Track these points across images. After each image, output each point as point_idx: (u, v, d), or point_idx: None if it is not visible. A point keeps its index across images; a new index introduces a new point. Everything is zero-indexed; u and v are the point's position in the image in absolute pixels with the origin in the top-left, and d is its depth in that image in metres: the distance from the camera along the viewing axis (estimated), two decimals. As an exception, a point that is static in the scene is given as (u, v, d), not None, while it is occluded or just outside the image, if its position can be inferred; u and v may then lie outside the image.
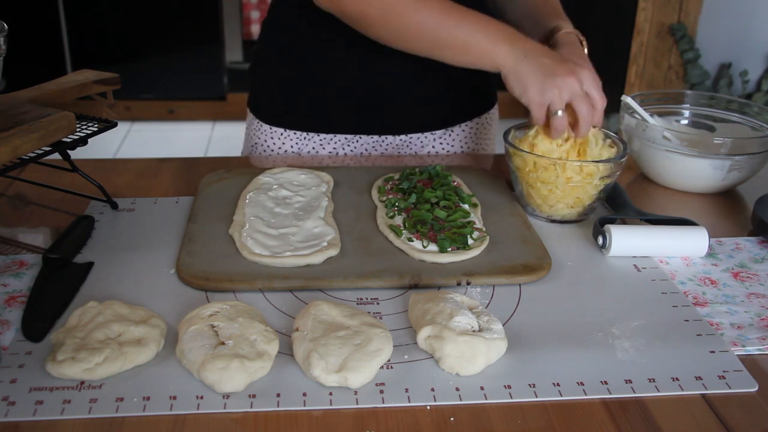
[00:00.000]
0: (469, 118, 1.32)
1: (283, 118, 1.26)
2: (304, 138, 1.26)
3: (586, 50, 1.12)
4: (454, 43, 1.00)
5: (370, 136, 1.27)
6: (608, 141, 1.04)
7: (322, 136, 1.26)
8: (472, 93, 1.31)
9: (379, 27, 1.03)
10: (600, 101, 0.99)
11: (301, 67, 1.22)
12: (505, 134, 1.06)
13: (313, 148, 1.26)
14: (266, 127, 1.28)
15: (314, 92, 1.23)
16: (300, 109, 1.25)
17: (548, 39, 1.14)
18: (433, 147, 1.30)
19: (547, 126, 1.00)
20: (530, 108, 0.99)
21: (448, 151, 1.31)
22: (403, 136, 1.27)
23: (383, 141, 1.27)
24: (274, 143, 1.28)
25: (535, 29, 1.17)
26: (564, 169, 0.98)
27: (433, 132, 1.29)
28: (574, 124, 0.99)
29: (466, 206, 1.01)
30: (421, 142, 1.29)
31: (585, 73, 0.98)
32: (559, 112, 0.97)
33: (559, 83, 0.96)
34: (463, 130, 1.32)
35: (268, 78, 1.28)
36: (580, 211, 1.02)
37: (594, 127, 1.01)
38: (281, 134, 1.27)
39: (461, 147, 1.32)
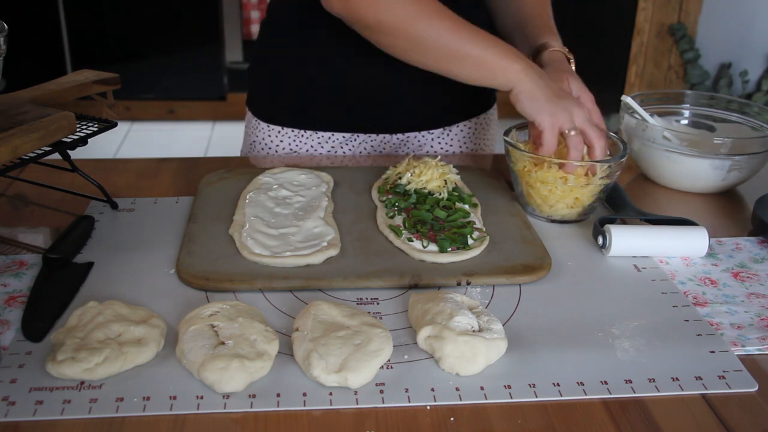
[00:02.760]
0: (468, 117, 1.32)
1: (281, 116, 1.27)
2: (302, 136, 1.27)
3: (573, 67, 1.13)
4: (468, 57, 1.00)
5: (368, 134, 1.27)
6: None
7: (320, 134, 1.26)
8: (471, 93, 1.31)
9: (394, 37, 1.02)
10: (603, 128, 1.02)
11: (299, 66, 1.22)
12: (506, 134, 1.06)
13: (311, 146, 1.27)
14: (264, 125, 1.29)
15: (312, 90, 1.23)
16: (297, 107, 1.26)
17: (536, 56, 1.14)
18: (432, 147, 1.30)
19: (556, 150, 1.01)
20: (543, 131, 0.98)
21: (446, 151, 1.31)
22: (400, 135, 1.28)
23: (381, 140, 1.28)
24: (271, 141, 1.28)
25: (524, 44, 1.17)
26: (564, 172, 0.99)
27: (431, 131, 1.29)
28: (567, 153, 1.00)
29: (466, 206, 1.01)
30: (419, 141, 1.29)
31: (586, 103, 1.03)
32: (573, 132, 0.98)
33: (569, 108, 0.98)
34: (462, 130, 1.32)
35: (266, 76, 1.28)
36: (579, 211, 1.02)
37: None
38: (278, 132, 1.27)
39: (460, 146, 1.32)
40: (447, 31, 1.00)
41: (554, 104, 0.98)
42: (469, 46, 1.00)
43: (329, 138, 1.26)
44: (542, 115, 0.98)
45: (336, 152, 1.28)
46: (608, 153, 1.06)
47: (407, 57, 1.04)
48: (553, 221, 1.03)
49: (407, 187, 1.03)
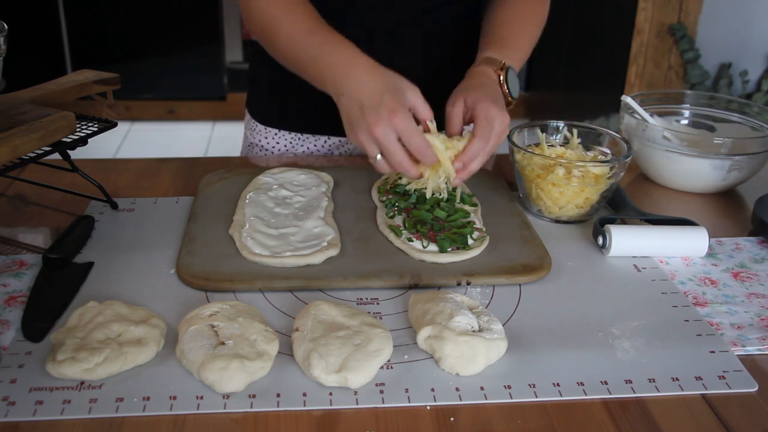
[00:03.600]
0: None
1: (278, 119, 1.27)
2: (298, 139, 1.27)
3: (505, 88, 1.03)
4: (305, 60, 0.99)
5: None
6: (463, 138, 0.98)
7: (317, 137, 1.26)
8: None
9: (260, 40, 1.07)
10: (420, 148, 0.89)
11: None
12: (509, 136, 1.06)
13: (308, 148, 1.27)
14: (261, 127, 1.29)
15: (308, 94, 1.22)
16: (294, 111, 1.26)
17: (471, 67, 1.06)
18: None
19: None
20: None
21: None
22: None
23: None
24: (268, 143, 1.29)
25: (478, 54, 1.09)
26: (571, 171, 0.99)
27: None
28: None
29: (466, 206, 1.01)
30: None
31: (397, 118, 0.87)
32: (378, 157, 0.90)
33: (372, 131, 0.88)
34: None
35: (263, 79, 1.28)
36: (587, 211, 1.02)
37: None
38: (275, 134, 1.28)
39: None
40: (293, 33, 0.99)
41: (353, 128, 0.91)
42: (305, 46, 0.98)
43: (326, 141, 1.27)
44: (349, 137, 0.93)
45: (332, 154, 1.28)
46: (609, 152, 1.07)
47: (279, 61, 1.05)
48: (558, 221, 1.03)
49: (407, 187, 1.03)
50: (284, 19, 1.01)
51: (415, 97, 0.92)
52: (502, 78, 1.03)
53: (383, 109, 0.88)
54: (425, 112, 0.93)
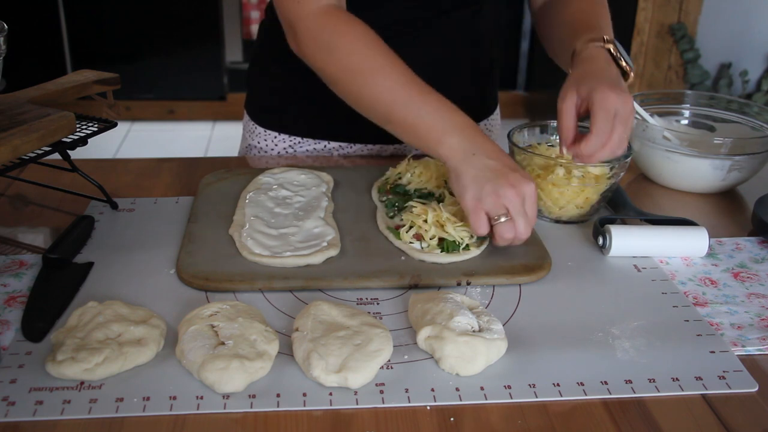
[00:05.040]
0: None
1: (277, 122, 1.26)
2: (297, 143, 1.26)
3: (620, 59, 0.98)
4: (404, 121, 0.92)
5: (365, 144, 1.26)
6: None
7: (317, 141, 1.26)
8: (473, 102, 1.30)
9: (337, 88, 0.98)
10: (530, 225, 0.88)
11: (295, 73, 1.22)
12: (509, 135, 1.06)
13: (307, 151, 1.26)
14: (260, 129, 1.28)
15: (307, 99, 1.22)
16: (293, 114, 1.25)
17: (572, 58, 1.02)
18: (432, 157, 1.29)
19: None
20: (468, 214, 0.88)
21: None
22: (398, 145, 1.27)
23: (379, 149, 1.27)
24: (267, 145, 1.28)
25: (566, 49, 1.04)
26: (570, 172, 0.99)
27: None
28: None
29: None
30: (416, 152, 1.29)
31: (528, 187, 0.87)
32: (502, 219, 0.86)
33: (499, 191, 0.86)
34: None
35: (262, 81, 1.28)
36: (588, 211, 1.02)
37: None
38: (274, 137, 1.27)
39: None
40: (387, 89, 0.92)
41: (480, 188, 0.86)
42: (405, 109, 0.92)
43: (325, 146, 1.26)
44: (465, 199, 0.87)
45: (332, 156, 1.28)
46: None
47: (355, 108, 0.98)
48: (558, 222, 1.03)
49: (407, 187, 1.03)
50: (371, 75, 0.94)
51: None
52: (613, 50, 0.96)
53: (518, 174, 0.87)
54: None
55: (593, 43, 0.98)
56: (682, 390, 0.72)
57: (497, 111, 1.37)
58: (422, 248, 0.91)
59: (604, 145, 0.91)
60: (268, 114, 1.28)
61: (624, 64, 0.96)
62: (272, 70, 1.25)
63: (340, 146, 1.26)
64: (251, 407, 0.68)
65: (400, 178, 1.06)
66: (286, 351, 0.75)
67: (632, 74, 0.98)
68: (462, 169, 0.88)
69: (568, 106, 0.93)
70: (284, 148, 1.27)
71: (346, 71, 0.96)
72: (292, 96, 1.24)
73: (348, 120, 1.23)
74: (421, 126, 0.91)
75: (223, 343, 0.72)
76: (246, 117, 1.33)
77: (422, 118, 0.91)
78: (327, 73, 0.98)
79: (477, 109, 1.32)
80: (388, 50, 0.95)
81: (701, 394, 0.71)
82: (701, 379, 0.73)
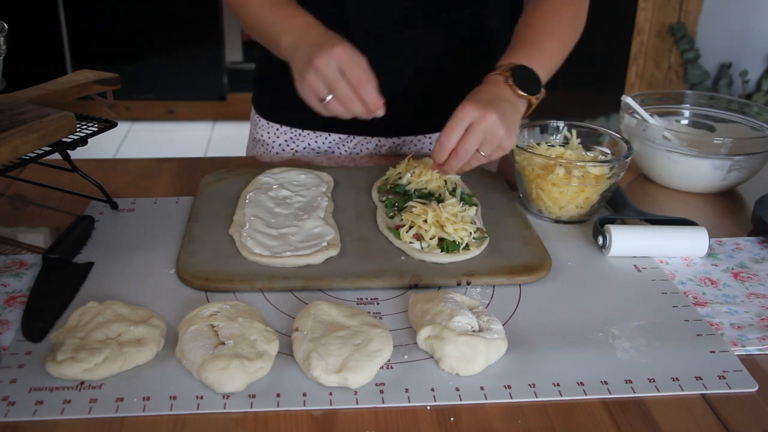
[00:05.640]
0: None
1: (279, 114, 1.29)
2: (299, 135, 1.28)
3: (518, 90, 0.99)
4: (261, 25, 1.04)
5: (365, 137, 1.27)
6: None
7: (318, 133, 1.27)
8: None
9: (230, 8, 1.11)
10: (360, 85, 0.92)
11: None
12: None
13: (308, 144, 1.28)
14: (264, 122, 1.31)
15: None
16: (294, 106, 1.25)
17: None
18: (430, 149, 1.30)
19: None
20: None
21: None
22: (395, 139, 1.28)
23: (377, 142, 1.28)
24: (270, 138, 1.30)
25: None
26: (570, 171, 0.99)
27: (429, 135, 1.29)
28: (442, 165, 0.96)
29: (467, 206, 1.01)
30: (415, 145, 1.29)
31: (337, 49, 0.91)
32: (328, 97, 0.93)
33: (313, 60, 0.91)
34: None
35: (266, 74, 1.30)
36: (587, 211, 1.02)
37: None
38: (277, 130, 1.29)
39: None
40: (255, 15, 1.05)
41: (300, 71, 0.94)
42: (265, 13, 1.03)
43: (326, 138, 1.27)
44: (297, 86, 0.96)
45: (333, 151, 1.28)
46: (609, 152, 1.07)
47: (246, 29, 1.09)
48: (558, 221, 1.03)
49: (407, 187, 1.03)
50: None
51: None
52: (510, 79, 0.99)
53: (326, 44, 0.92)
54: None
55: (498, 71, 1.01)
56: (682, 390, 0.72)
57: None
58: (422, 248, 0.91)
59: (448, 152, 0.94)
60: (271, 106, 1.30)
61: (520, 93, 0.99)
62: (273, 62, 1.26)
63: (340, 138, 1.27)
64: (251, 407, 0.68)
65: (400, 178, 1.06)
66: (286, 351, 0.75)
67: (536, 100, 1.01)
68: (293, 65, 0.96)
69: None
70: (285, 141, 1.29)
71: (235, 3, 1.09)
72: (291, 87, 1.24)
73: None
74: (269, 34, 1.03)
75: (223, 343, 0.72)
76: (252, 110, 1.36)
77: (272, 26, 1.02)
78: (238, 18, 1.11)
79: None
80: None
81: (701, 394, 0.71)
82: (701, 379, 0.73)
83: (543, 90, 1.02)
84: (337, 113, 0.95)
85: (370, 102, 0.93)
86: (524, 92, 0.99)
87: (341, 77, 0.92)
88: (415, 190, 1.03)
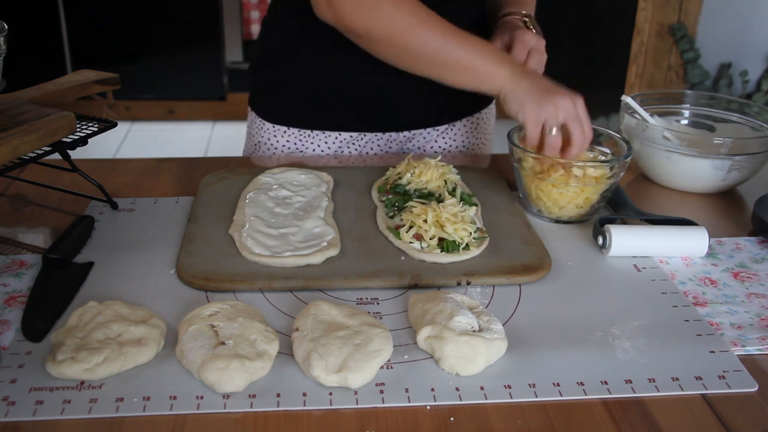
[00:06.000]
0: (470, 113, 1.33)
1: (286, 117, 1.26)
2: (308, 136, 1.26)
3: (533, 29, 1.18)
4: (457, 64, 1.03)
5: (374, 133, 1.27)
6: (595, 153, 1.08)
7: (327, 133, 1.26)
8: (467, 93, 1.31)
9: (384, 45, 1.05)
10: (589, 127, 1.01)
11: (303, 65, 1.22)
12: (509, 135, 1.06)
13: (318, 145, 1.26)
14: (269, 125, 1.28)
15: (316, 90, 1.23)
16: (302, 107, 1.25)
17: (495, 25, 1.20)
18: (437, 142, 1.30)
19: (540, 146, 1.02)
20: (526, 125, 1.01)
21: (450, 146, 1.31)
22: (407, 132, 1.28)
23: (388, 138, 1.27)
24: (277, 141, 1.27)
25: (492, 17, 1.23)
26: (570, 172, 0.99)
27: (437, 128, 1.30)
28: (563, 148, 1.01)
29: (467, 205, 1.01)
30: (425, 138, 1.29)
31: (579, 99, 1.01)
32: (554, 130, 1.00)
33: (556, 101, 0.99)
34: (464, 125, 1.32)
35: (269, 76, 1.28)
36: (587, 211, 1.02)
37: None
38: (284, 132, 1.27)
39: (463, 142, 1.32)
40: (435, 39, 1.03)
41: (538, 98, 1.00)
42: (458, 52, 1.03)
43: (336, 137, 1.26)
44: (525, 110, 1.00)
45: (342, 151, 1.27)
46: (609, 152, 1.07)
47: (399, 64, 1.07)
48: (558, 221, 1.03)
49: (407, 187, 1.04)
50: (420, 26, 1.04)
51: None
52: (528, 21, 1.17)
53: (565, 89, 1.02)
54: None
55: (511, 15, 1.20)
56: (682, 390, 0.72)
57: (493, 103, 1.39)
58: (422, 248, 0.91)
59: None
60: (277, 108, 1.27)
61: (534, 31, 1.17)
62: (278, 63, 1.25)
63: (350, 137, 1.26)
64: (251, 407, 0.68)
65: (400, 178, 1.06)
66: (286, 351, 0.75)
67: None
68: (517, 90, 1.01)
69: (497, 45, 1.14)
70: (294, 143, 1.27)
71: (393, 26, 1.03)
72: (298, 88, 1.24)
73: (357, 109, 1.23)
74: (475, 65, 1.04)
75: (223, 343, 0.72)
76: (252, 114, 1.32)
77: (473, 57, 1.03)
78: (372, 31, 1.04)
79: (473, 99, 1.32)
80: (423, 5, 1.04)
81: (701, 394, 0.71)
82: (701, 378, 0.73)
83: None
84: (553, 145, 1.01)
85: (580, 151, 1.01)
86: (538, 33, 1.18)
87: (578, 115, 1.01)
88: (415, 190, 1.03)
